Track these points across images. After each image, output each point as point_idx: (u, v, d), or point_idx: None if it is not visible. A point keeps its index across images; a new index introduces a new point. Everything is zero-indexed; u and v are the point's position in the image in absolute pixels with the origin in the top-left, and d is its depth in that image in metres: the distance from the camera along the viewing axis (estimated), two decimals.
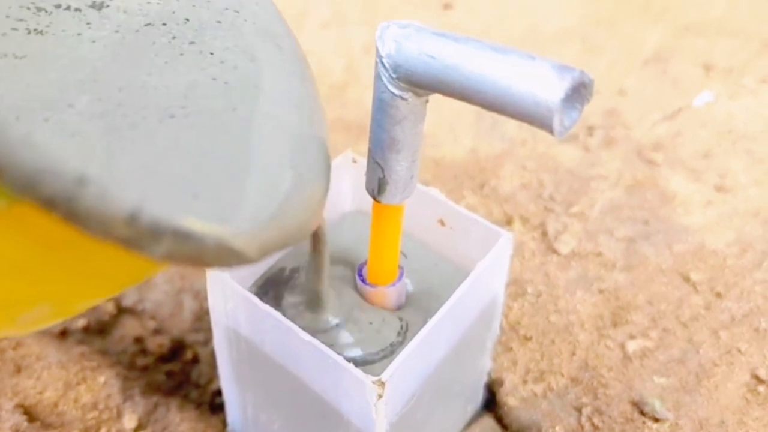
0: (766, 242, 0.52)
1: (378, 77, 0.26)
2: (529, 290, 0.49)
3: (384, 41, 0.26)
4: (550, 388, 0.44)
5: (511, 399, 0.44)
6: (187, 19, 0.27)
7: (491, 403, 0.45)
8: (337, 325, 0.34)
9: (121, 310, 0.49)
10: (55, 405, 0.42)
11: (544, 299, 0.49)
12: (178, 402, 0.44)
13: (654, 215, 0.55)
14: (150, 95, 0.23)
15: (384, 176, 0.29)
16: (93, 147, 0.19)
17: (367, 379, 0.29)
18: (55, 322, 0.23)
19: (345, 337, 0.34)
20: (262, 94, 0.26)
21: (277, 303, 0.35)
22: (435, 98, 0.26)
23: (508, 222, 0.54)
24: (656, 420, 0.42)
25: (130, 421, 0.42)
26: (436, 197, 0.38)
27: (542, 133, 0.32)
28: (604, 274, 0.50)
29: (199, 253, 0.19)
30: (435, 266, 0.38)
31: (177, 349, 0.48)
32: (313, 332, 0.31)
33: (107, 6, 0.26)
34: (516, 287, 0.49)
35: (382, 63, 0.26)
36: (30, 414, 0.41)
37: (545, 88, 0.22)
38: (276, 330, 0.32)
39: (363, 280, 0.35)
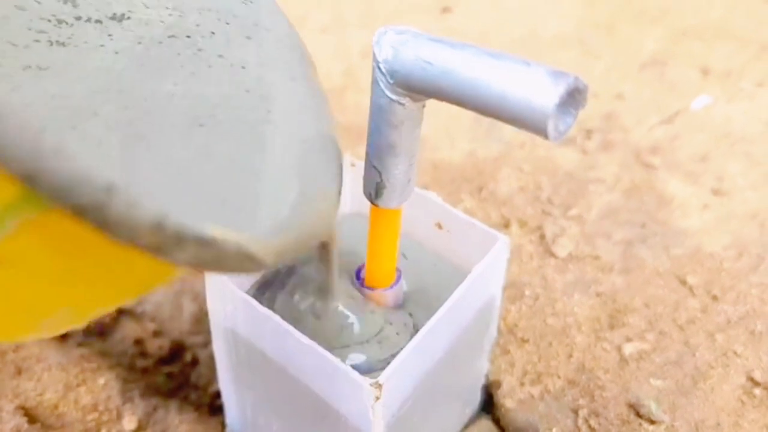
0: (762, 245, 0.53)
1: (375, 82, 0.27)
2: (527, 293, 0.50)
3: (381, 47, 0.26)
4: (547, 390, 0.44)
5: (508, 401, 0.44)
6: (213, 33, 0.28)
7: (489, 405, 0.46)
8: (348, 320, 0.34)
9: (121, 313, 0.50)
10: (56, 407, 0.42)
11: (541, 302, 0.49)
12: (178, 404, 0.44)
13: (651, 218, 0.55)
14: (177, 105, 0.24)
15: (381, 180, 0.29)
16: (120, 155, 0.20)
17: (365, 382, 0.29)
18: (75, 326, 0.23)
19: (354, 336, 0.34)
20: (282, 105, 0.27)
21: (281, 303, 0.35)
22: (433, 102, 0.27)
23: (505, 225, 0.55)
24: (652, 422, 0.42)
25: (129, 422, 0.42)
26: (433, 201, 0.38)
27: (540, 137, 0.32)
28: (602, 277, 0.51)
29: (220, 259, 0.20)
30: (433, 269, 0.38)
31: (176, 351, 0.48)
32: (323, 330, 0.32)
33: (128, 18, 0.26)
34: (513, 290, 0.50)
35: (379, 68, 0.26)
36: (30, 416, 0.41)
37: (540, 93, 0.22)
38: (274, 332, 0.32)
39: (361, 283, 0.35)
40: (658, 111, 0.66)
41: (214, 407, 0.45)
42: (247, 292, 0.36)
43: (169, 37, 0.27)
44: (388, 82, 0.26)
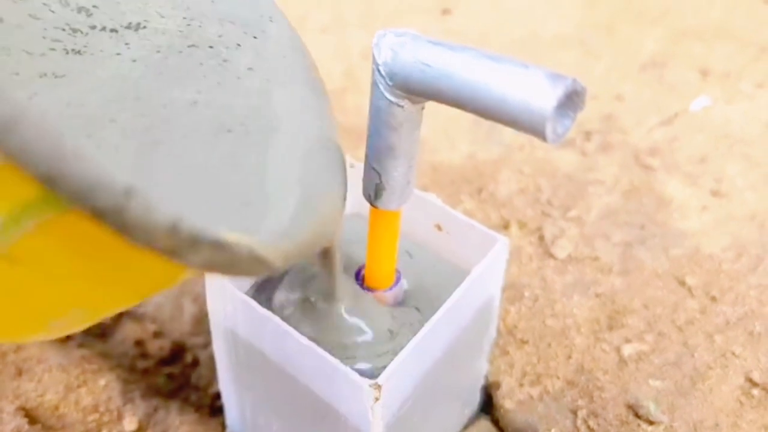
0: (761, 246, 0.53)
1: (375, 85, 0.27)
2: (526, 294, 0.50)
3: (380, 49, 0.26)
4: (547, 391, 0.44)
5: (507, 402, 0.44)
6: (239, 45, 0.29)
7: (488, 406, 0.46)
8: (351, 319, 0.34)
9: (122, 314, 0.50)
10: (56, 408, 0.42)
11: (540, 303, 0.49)
12: (178, 405, 0.44)
13: (650, 220, 0.55)
14: (199, 113, 0.24)
15: (381, 182, 0.30)
16: (138, 160, 0.21)
17: (364, 383, 0.29)
18: (83, 327, 0.24)
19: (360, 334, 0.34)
20: (290, 114, 0.27)
21: (279, 301, 0.35)
22: (432, 104, 0.27)
23: (505, 226, 0.55)
24: (651, 423, 0.42)
25: (130, 423, 0.42)
26: (433, 202, 0.38)
27: (539, 140, 0.33)
28: (601, 278, 0.51)
29: (233, 263, 0.20)
30: (432, 270, 0.39)
31: (177, 352, 0.49)
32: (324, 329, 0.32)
33: (144, 27, 0.27)
34: (513, 291, 0.50)
35: (378, 71, 0.26)
36: (31, 417, 0.41)
37: (538, 96, 0.22)
38: (274, 333, 0.32)
39: (361, 284, 0.35)
40: (657, 112, 0.66)
41: (214, 408, 0.45)
42: (246, 293, 0.36)
43: (189, 46, 0.27)
44: (388, 85, 0.26)
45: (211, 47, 0.28)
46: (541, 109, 0.22)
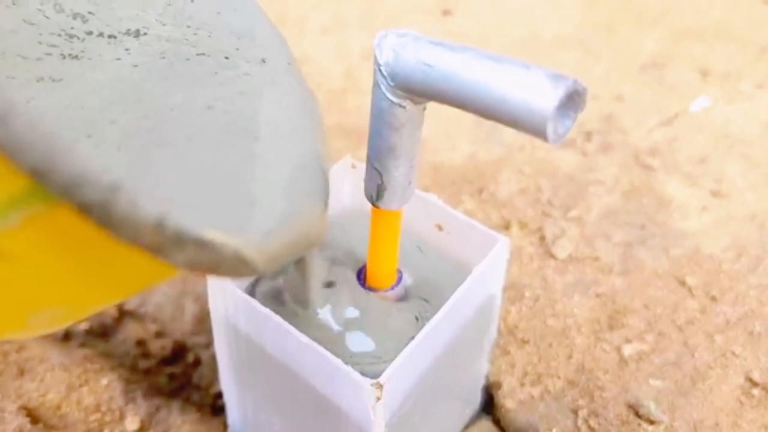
0: (761, 247, 0.53)
1: (376, 85, 0.27)
2: (527, 294, 0.50)
3: (382, 50, 0.26)
4: (547, 391, 0.44)
5: (508, 401, 0.44)
6: (264, 60, 0.29)
7: (489, 406, 0.46)
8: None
9: (123, 314, 0.50)
10: (58, 407, 0.42)
11: (541, 303, 0.49)
12: (180, 404, 0.44)
13: (650, 220, 0.55)
14: (216, 118, 0.25)
15: (382, 182, 0.30)
16: (131, 160, 0.21)
17: (365, 382, 0.30)
18: (63, 325, 0.24)
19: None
20: (281, 124, 0.28)
21: (264, 290, 0.36)
22: (433, 104, 0.27)
23: (506, 227, 0.55)
24: (651, 422, 0.42)
25: (132, 423, 0.42)
26: (433, 202, 0.38)
27: (540, 140, 0.33)
28: (601, 278, 0.51)
29: (216, 262, 0.21)
30: (433, 270, 0.39)
31: (179, 351, 0.49)
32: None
33: (145, 34, 0.27)
34: (514, 291, 0.50)
35: (380, 71, 0.26)
36: (33, 416, 0.41)
37: (539, 96, 0.23)
38: (275, 332, 0.32)
39: (363, 284, 0.35)
40: (657, 113, 0.66)
41: (216, 407, 0.46)
42: (247, 289, 0.36)
43: (198, 54, 0.28)
44: (389, 85, 0.26)
45: (227, 58, 0.28)
46: (542, 110, 0.23)
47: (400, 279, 0.36)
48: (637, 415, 0.43)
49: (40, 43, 0.24)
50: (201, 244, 0.20)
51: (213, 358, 0.46)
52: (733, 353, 0.46)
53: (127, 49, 0.26)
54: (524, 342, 0.47)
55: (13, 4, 0.25)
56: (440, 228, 0.38)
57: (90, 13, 0.27)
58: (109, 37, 0.26)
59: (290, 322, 0.32)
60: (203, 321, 0.50)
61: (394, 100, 0.27)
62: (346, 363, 0.30)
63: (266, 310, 0.32)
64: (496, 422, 0.45)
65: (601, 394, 0.44)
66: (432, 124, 0.61)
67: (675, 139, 0.63)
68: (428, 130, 0.61)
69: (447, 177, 0.59)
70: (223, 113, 0.26)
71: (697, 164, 0.60)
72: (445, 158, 0.61)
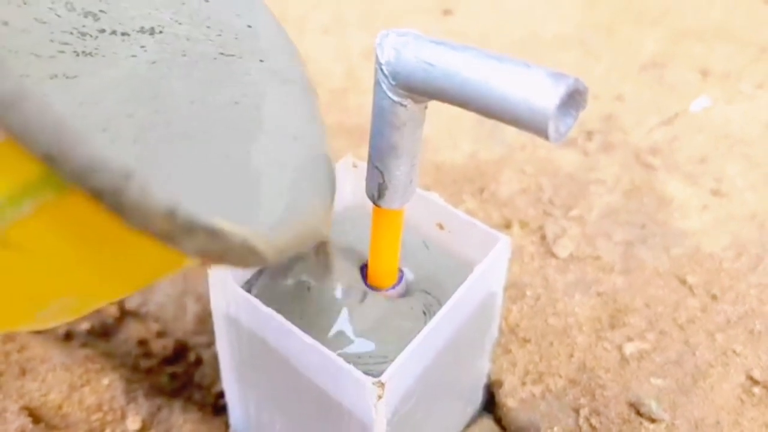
0: (761, 246, 0.53)
1: (377, 84, 0.27)
2: (528, 293, 0.50)
3: (383, 49, 0.26)
4: (549, 390, 0.44)
5: (510, 400, 0.44)
6: (277, 61, 0.30)
7: (490, 404, 0.46)
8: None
9: (125, 313, 0.50)
10: (60, 407, 0.42)
11: (542, 302, 0.49)
12: (182, 404, 0.45)
13: (651, 219, 0.55)
14: (238, 115, 0.26)
15: (384, 181, 0.30)
16: (149, 149, 0.21)
17: (368, 381, 0.30)
18: (71, 318, 0.24)
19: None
20: (297, 126, 0.28)
21: (262, 285, 0.36)
22: (435, 103, 0.27)
23: (507, 226, 0.55)
24: (653, 420, 0.42)
25: (133, 422, 0.42)
26: (435, 201, 0.38)
27: (541, 138, 0.33)
28: (602, 277, 0.51)
29: (226, 251, 0.21)
30: (434, 268, 0.39)
31: (180, 351, 0.49)
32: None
33: (160, 32, 0.27)
34: (515, 290, 0.50)
35: (381, 70, 0.26)
36: (35, 416, 0.42)
37: (540, 95, 0.23)
38: (277, 331, 0.32)
39: (364, 283, 0.35)
40: (657, 112, 0.66)
41: (217, 407, 0.46)
42: (245, 286, 0.36)
43: (221, 54, 0.28)
44: (391, 84, 0.26)
45: (261, 61, 0.29)
46: (543, 108, 0.23)
47: (401, 278, 0.36)
48: (639, 413, 0.43)
49: (52, 41, 0.25)
50: (211, 233, 0.20)
51: (214, 358, 0.46)
52: (734, 352, 0.46)
53: (142, 47, 0.26)
54: (525, 341, 0.47)
55: (24, 3, 0.25)
56: (441, 227, 0.38)
57: (101, 11, 0.27)
58: (123, 34, 0.26)
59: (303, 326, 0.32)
60: (205, 320, 0.50)
61: (396, 99, 0.27)
62: (349, 362, 0.30)
63: (268, 309, 0.32)
64: (498, 421, 0.45)
65: (603, 392, 0.44)
66: (433, 122, 0.61)
67: (675, 139, 0.63)
68: (429, 129, 0.61)
69: (448, 176, 0.59)
70: (242, 110, 0.26)
71: (697, 164, 0.61)
72: (446, 157, 0.61)
